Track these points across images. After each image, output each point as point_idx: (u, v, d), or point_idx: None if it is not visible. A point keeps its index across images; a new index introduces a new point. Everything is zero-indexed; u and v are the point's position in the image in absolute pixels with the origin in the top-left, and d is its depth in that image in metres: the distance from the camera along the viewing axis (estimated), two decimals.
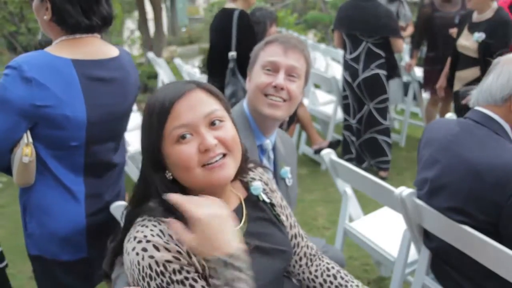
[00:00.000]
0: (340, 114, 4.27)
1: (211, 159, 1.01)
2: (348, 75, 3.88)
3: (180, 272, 0.97)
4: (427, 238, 1.82)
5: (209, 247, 0.92)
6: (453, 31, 3.78)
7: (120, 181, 1.78)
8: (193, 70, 5.43)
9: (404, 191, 1.75)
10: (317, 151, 4.01)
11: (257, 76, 1.54)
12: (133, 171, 3.37)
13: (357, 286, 1.28)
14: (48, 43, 1.52)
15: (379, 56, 3.77)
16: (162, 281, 0.95)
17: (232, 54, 3.20)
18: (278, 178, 1.67)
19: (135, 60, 1.66)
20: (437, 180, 1.66)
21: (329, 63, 5.90)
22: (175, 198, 0.95)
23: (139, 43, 9.32)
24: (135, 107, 3.75)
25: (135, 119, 2.38)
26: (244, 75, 2.05)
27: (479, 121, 1.62)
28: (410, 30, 4.82)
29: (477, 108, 1.66)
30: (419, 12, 4.72)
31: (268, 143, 1.61)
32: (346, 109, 4.06)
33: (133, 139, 2.51)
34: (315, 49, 6.26)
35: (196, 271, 0.99)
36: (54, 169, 1.52)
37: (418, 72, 4.69)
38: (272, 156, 1.65)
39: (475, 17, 3.41)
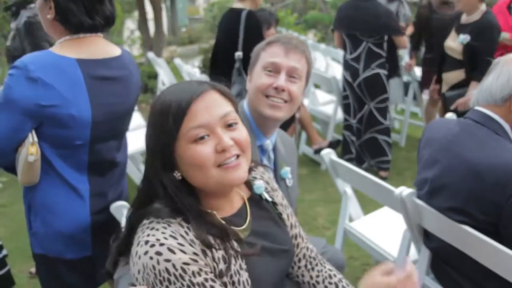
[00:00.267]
0: (340, 114, 4.27)
1: (227, 160, 1.02)
2: (348, 75, 3.89)
3: (199, 274, 0.97)
4: (427, 238, 1.82)
5: None
6: None
7: (122, 180, 1.79)
8: (193, 70, 5.44)
9: (404, 191, 1.75)
10: (317, 151, 4.01)
11: (258, 77, 1.54)
12: (133, 171, 3.38)
13: None
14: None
15: (380, 55, 3.78)
16: (183, 284, 0.95)
17: (239, 54, 3.21)
18: (279, 178, 1.67)
19: (135, 60, 1.66)
20: (437, 180, 1.67)
21: (329, 63, 5.90)
22: None
23: (139, 43, 9.33)
24: (135, 107, 3.74)
25: (136, 119, 2.38)
26: None
27: (479, 121, 1.62)
28: (410, 30, 4.84)
29: (477, 108, 1.66)
30: (417, 14, 4.74)
31: (268, 143, 1.61)
32: (346, 109, 4.06)
33: (133, 139, 2.51)
34: (315, 49, 6.26)
35: (211, 271, 0.99)
36: (59, 168, 1.54)
37: (418, 72, 4.70)
38: (272, 156, 1.65)
39: (463, 18, 3.39)
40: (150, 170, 1.07)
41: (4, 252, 2.13)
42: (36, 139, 1.47)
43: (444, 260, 1.76)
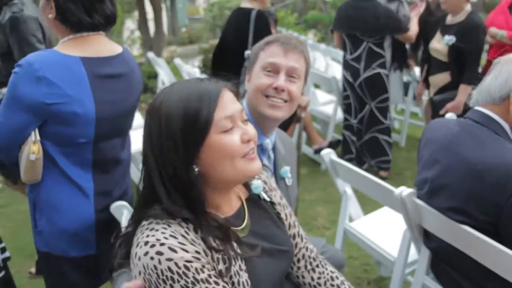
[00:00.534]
0: (340, 114, 4.27)
1: (251, 151, 1.06)
2: (349, 75, 3.89)
3: (202, 271, 0.97)
4: (427, 238, 1.82)
5: None
6: None
7: (126, 178, 1.80)
8: (193, 70, 5.43)
9: (404, 191, 1.75)
10: (317, 151, 4.01)
11: (257, 77, 1.53)
12: (133, 171, 3.37)
13: None
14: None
15: (380, 55, 3.78)
16: (187, 282, 0.95)
17: (248, 53, 3.21)
18: (278, 177, 1.67)
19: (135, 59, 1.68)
20: (437, 180, 1.66)
21: (329, 63, 5.91)
22: None
23: (139, 43, 9.33)
24: None
25: (136, 119, 2.37)
26: None
27: (479, 121, 1.62)
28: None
29: (477, 108, 1.66)
30: None
31: (268, 142, 1.61)
32: (347, 109, 4.06)
33: (133, 139, 2.51)
34: (315, 49, 6.26)
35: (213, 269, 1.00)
36: (63, 166, 1.55)
37: (418, 72, 4.69)
38: (272, 155, 1.65)
39: (449, 19, 3.36)
40: (155, 172, 1.03)
41: (7, 254, 2.12)
42: (38, 137, 1.49)
43: (444, 260, 1.76)
